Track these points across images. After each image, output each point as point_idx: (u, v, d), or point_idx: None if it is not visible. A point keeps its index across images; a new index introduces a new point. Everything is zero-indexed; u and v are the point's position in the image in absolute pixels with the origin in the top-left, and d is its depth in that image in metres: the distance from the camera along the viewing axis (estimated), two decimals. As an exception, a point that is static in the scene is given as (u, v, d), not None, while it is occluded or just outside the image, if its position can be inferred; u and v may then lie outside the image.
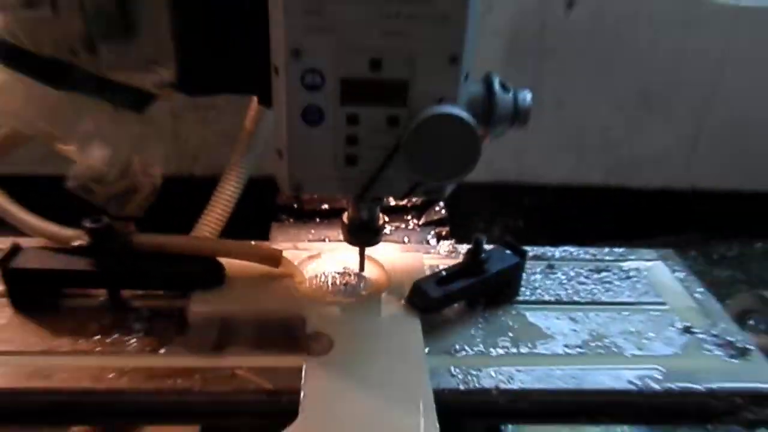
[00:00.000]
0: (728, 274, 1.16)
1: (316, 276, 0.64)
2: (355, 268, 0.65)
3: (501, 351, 0.58)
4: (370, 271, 0.65)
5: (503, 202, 1.24)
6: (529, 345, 0.58)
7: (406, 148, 0.46)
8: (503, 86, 0.53)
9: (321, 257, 0.68)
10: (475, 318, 0.61)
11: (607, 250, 0.75)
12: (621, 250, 0.76)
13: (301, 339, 0.56)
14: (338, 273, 0.65)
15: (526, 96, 0.53)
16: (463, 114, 0.45)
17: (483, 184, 1.20)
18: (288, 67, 0.44)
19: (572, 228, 1.01)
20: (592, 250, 0.75)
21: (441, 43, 0.44)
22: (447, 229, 0.76)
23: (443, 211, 0.81)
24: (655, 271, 0.72)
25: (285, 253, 0.64)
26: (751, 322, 0.68)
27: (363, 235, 0.57)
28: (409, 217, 0.82)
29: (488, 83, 0.52)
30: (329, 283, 0.63)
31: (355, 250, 0.63)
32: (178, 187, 0.67)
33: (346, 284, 0.63)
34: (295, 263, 0.65)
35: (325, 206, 0.76)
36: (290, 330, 0.58)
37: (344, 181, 0.49)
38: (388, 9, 0.42)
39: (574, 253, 0.73)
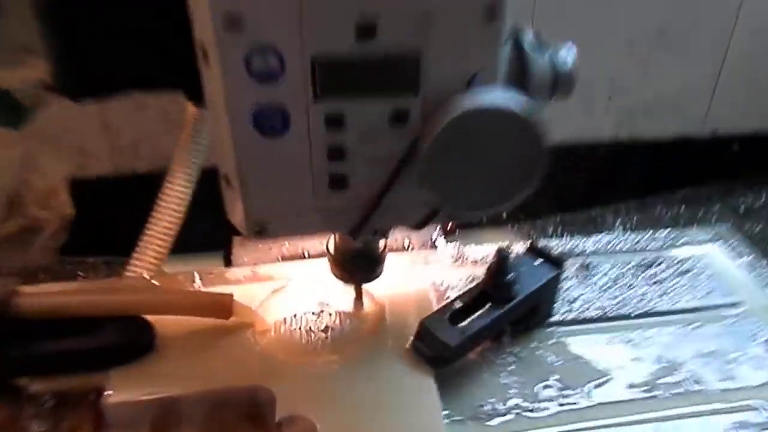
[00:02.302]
0: (761, 228, 1.09)
1: (285, 320, 0.52)
2: (335, 301, 0.53)
3: (547, 406, 0.47)
4: (358, 305, 0.53)
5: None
6: (582, 391, 0.48)
7: (424, 160, 0.33)
8: (536, 43, 0.40)
9: (288, 289, 0.55)
10: (503, 356, 0.50)
11: (649, 234, 0.65)
12: (666, 232, 0.66)
13: (271, 426, 0.44)
14: (314, 313, 0.52)
15: (567, 54, 0.40)
16: (518, 103, 0.32)
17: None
18: (222, 45, 0.30)
19: (579, 192, 0.91)
20: (632, 236, 0.65)
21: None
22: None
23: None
24: (714, 258, 0.62)
25: (241, 291, 0.51)
26: None
27: (358, 268, 0.44)
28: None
29: (516, 42, 0.39)
30: (302, 331, 0.51)
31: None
32: (119, 189, 0.63)
33: (326, 330, 0.51)
34: (254, 307, 0.52)
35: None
36: (256, 410, 0.45)
37: (328, 215, 0.36)
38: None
39: (612, 244, 0.63)
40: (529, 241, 0.51)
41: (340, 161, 0.34)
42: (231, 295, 0.49)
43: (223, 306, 0.48)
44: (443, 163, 0.32)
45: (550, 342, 0.51)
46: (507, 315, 0.49)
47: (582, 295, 0.56)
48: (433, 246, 0.62)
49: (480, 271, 0.51)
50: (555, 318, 0.53)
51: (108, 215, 0.65)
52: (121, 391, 0.44)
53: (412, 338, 0.48)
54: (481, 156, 0.32)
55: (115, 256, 0.60)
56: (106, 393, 0.44)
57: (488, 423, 0.45)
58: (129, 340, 0.46)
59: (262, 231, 0.36)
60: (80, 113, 0.65)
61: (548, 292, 0.53)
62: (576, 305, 0.55)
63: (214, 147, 0.36)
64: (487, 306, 0.49)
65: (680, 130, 1.11)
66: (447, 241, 0.62)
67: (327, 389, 0.45)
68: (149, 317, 0.48)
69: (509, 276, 0.48)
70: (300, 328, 0.51)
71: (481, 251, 0.60)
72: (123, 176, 0.68)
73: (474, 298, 0.49)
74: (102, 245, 0.64)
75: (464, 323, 0.48)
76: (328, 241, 0.47)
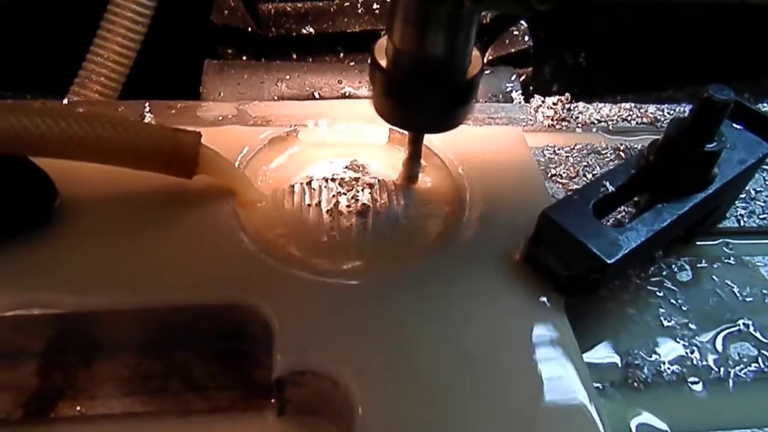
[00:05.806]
0: None
1: (291, 189, 0.31)
2: (378, 166, 0.32)
3: (739, 371, 0.28)
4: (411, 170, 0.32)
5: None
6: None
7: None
8: None
9: (298, 139, 0.34)
10: (655, 281, 0.31)
11: None
12: None
13: (260, 379, 0.24)
14: (342, 181, 0.31)
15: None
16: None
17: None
18: None
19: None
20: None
21: None
22: (530, 70, 0.49)
23: (526, 38, 0.48)
24: None
25: (218, 137, 0.30)
26: None
27: (430, 96, 0.27)
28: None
29: None
30: (321, 210, 0.30)
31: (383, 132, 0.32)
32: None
33: (364, 212, 0.30)
34: (238, 163, 0.31)
35: (309, 30, 0.45)
36: (231, 346, 0.26)
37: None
38: None
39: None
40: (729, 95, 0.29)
41: None
42: (198, 135, 0.28)
43: (185, 152, 0.27)
44: None
45: (725, 260, 0.35)
46: (694, 212, 0.28)
47: (764, 191, 0.39)
48: (507, 98, 0.41)
49: (595, 140, 0.31)
50: (727, 224, 0.37)
51: (35, 39, 0.52)
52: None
53: (524, 241, 0.28)
54: None
55: (41, 93, 0.47)
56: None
57: (632, 371, 0.27)
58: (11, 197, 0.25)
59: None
60: None
61: (744, 181, 0.32)
62: (758, 205, 0.38)
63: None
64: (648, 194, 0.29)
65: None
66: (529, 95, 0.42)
67: (366, 319, 0.26)
68: (48, 164, 0.27)
69: (712, 145, 0.27)
70: (317, 205, 0.30)
71: (598, 111, 0.40)
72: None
73: (634, 179, 0.28)
74: (27, 79, 0.50)
75: (612, 220, 0.28)
76: (375, 48, 0.26)
